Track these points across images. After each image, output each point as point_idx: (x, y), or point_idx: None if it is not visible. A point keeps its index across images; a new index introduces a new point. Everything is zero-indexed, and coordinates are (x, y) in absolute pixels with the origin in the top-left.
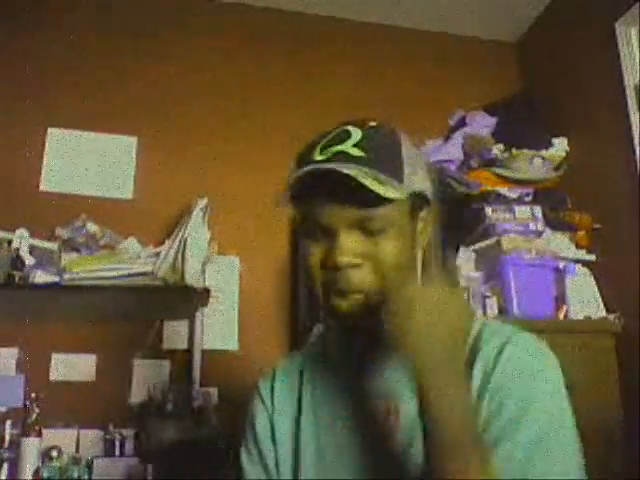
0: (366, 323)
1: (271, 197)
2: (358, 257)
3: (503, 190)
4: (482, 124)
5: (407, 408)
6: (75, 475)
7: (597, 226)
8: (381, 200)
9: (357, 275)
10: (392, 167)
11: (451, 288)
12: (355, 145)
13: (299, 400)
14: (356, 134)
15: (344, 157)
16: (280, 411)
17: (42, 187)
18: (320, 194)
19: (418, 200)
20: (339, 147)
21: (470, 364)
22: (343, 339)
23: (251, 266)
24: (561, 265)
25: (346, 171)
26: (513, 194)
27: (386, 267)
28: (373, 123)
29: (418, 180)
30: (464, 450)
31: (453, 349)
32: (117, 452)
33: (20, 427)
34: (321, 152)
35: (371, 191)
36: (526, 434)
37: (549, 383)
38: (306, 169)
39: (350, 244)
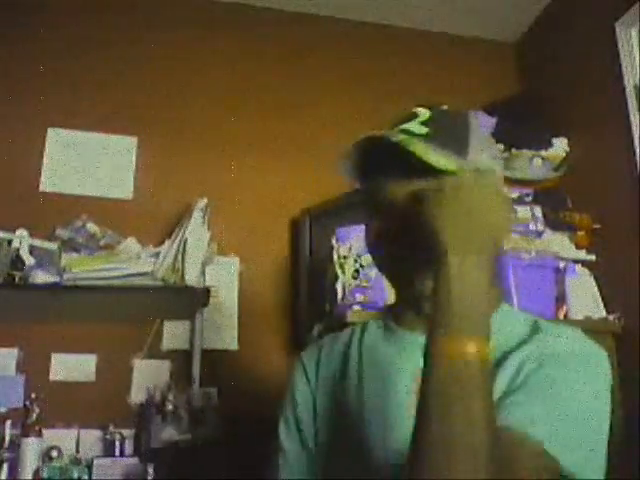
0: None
1: (272, 199)
2: None
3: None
4: (482, 124)
5: None
6: (75, 475)
7: (597, 226)
8: (439, 172)
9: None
10: (455, 143)
11: (499, 190)
12: (421, 123)
13: (343, 371)
14: (424, 114)
15: (407, 133)
16: (324, 380)
17: (42, 187)
18: (381, 169)
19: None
20: (404, 125)
21: (507, 353)
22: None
23: (251, 266)
24: (561, 265)
25: (394, 139)
26: (513, 194)
27: None
28: (445, 107)
29: (485, 160)
30: (465, 324)
31: (486, 243)
32: (117, 452)
33: (20, 427)
34: (388, 131)
35: (421, 160)
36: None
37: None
38: (360, 139)
39: None
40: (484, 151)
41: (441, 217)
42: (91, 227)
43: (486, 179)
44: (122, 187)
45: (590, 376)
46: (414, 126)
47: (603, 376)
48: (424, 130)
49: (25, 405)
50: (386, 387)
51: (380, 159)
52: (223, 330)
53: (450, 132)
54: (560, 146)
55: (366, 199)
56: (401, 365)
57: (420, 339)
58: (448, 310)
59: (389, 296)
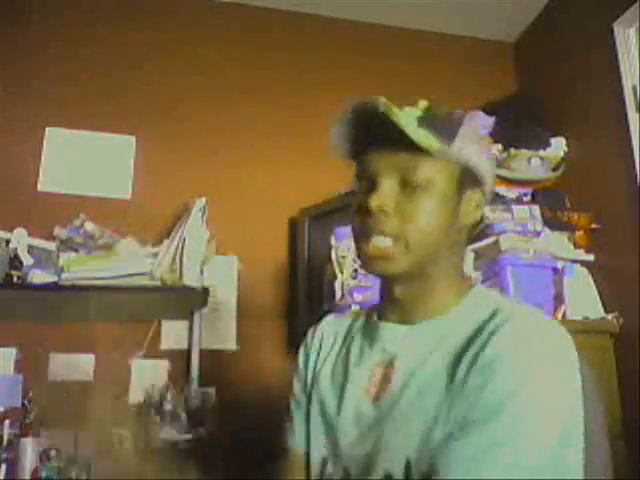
0: (391, 275)
1: (271, 198)
2: (391, 204)
3: (501, 190)
4: (481, 124)
5: (403, 367)
6: (73, 475)
7: (596, 226)
8: (424, 152)
9: (385, 220)
10: (445, 130)
11: None
12: (419, 109)
13: (347, 352)
14: (423, 103)
15: (403, 115)
16: (327, 355)
17: (40, 187)
18: (369, 142)
19: (469, 176)
20: (403, 111)
21: (469, 340)
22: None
23: (250, 266)
24: (559, 265)
25: (394, 118)
26: (511, 194)
27: (417, 226)
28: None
29: (469, 154)
30: None
31: None
32: None
33: (18, 427)
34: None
35: (409, 138)
36: (486, 436)
37: (544, 376)
38: (356, 105)
39: (387, 191)
40: (472, 146)
41: None
42: (89, 227)
43: None
44: (120, 187)
45: (533, 387)
46: (410, 110)
47: (550, 377)
48: (418, 113)
49: (23, 405)
50: (351, 377)
51: (369, 131)
52: (222, 330)
53: (443, 121)
54: (558, 146)
55: (356, 177)
56: (367, 358)
57: (384, 325)
58: None
59: None
